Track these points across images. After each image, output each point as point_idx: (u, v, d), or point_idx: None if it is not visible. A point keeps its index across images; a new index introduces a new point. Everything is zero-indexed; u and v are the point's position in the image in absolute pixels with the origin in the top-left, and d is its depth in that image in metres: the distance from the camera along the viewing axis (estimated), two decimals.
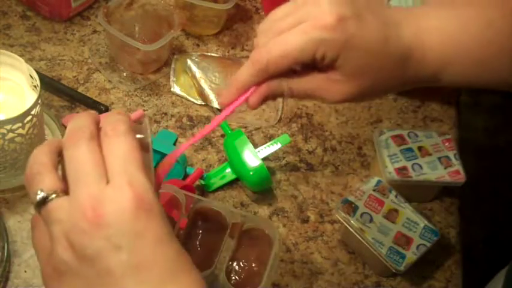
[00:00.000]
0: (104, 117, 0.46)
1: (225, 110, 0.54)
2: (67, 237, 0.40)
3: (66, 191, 0.42)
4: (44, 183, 0.42)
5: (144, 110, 0.90)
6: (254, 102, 0.54)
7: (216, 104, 0.92)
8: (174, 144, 0.88)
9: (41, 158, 0.43)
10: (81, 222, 0.39)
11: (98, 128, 0.45)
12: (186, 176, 0.82)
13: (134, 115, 0.87)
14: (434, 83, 0.56)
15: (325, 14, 0.49)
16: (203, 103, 0.94)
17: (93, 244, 0.39)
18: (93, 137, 0.43)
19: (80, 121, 0.45)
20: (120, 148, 0.43)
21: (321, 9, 0.50)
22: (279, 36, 0.51)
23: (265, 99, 0.54)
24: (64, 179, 0.43)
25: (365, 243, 0.77)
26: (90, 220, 0.39)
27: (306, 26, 0.50)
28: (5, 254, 0.72)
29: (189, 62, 0.96)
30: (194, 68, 0.95)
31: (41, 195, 0.41)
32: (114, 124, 0.44)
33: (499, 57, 0.55)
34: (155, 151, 0.82)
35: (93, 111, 0.48)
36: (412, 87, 0.57)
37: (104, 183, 0.41)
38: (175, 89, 0.95)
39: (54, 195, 0.41)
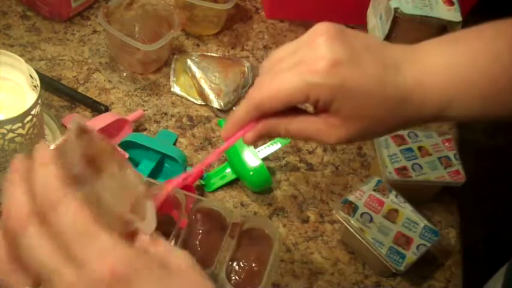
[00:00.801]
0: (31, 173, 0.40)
1: (225, 143, 0.54)
2: None
3: (35, 282, 0.39)
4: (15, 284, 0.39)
5: (144, 110, 0.90)
6: (248, 138, 0.54)
7: (216, 104, 0.92)
8: (174, 144, 0.88)
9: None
10: None
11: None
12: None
13: (134, 115, 0.87)
14: (439, 120, 0.55)
15: (319, 59, 0.49)
16: (203, 103, 0.94)
17: None
18: (40, 218, 0.38)
19: (18, 196, 0.39)
20: (68, 219, 0.38)
21: (316, 53, 0.50)
22: (275, 76, 0.51)
23: (260, 137, 0.54)
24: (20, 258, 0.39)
25: (365, 243, 0.77)
26: None
27: (300, 68, 0.50)
28: None
29: (189, 62, 0.96)
30: (194, 68, 0.95)
31: None
32: (47, 197, 0.38)
33: (507, 90, 0.54)
34: (155, 151, 0.82)
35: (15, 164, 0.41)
36: (417, 125, 0.56)
37: (74, 266, 0.37)
38: (175, 89, 0.95)
39: None
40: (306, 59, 0.50)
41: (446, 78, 0.52)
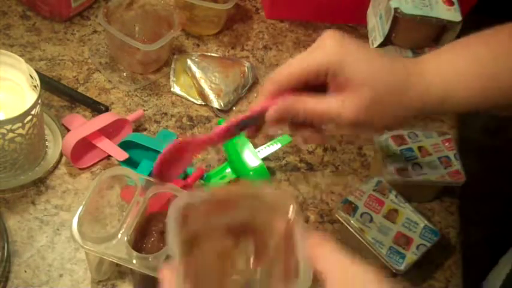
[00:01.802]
0: None
1: (249, 111, 0.58)
2: None
3: None
4: None
5: (144, 110, 0.90)
6: (270, 113, 0.57)
7: (216, 104, 0.92)
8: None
9: None
10: None
11: None
12: (186, 176, 0.82)
13: (134, 115, 0.87)
14: (441, 110, 0.58)
15: (328, 46, 0.56)
16: (203, 103, 0.94)
17: None
18: None
19: None
20: None
21: (325, 47, 0.56)
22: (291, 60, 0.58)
23: (281, 114, 0.57)
24: None
25: (365, 243, 0.77)
26: None
27: (309, 51, 0.57)
28: (5, 254, 0.72)
29: (189, 62, 0.96)
30: (194, 68, 0.95)
31: None
32: None
33: (490, 87, 0.58)
34: (155, 151, 0.82)
35: None
36: (419, 113, 0.59)
37: None
38: (175, 89, 0.95)
39: None
40: (316, 51, 0.57)
41: (441, 78, 0.57)
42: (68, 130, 0.85)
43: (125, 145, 0.82)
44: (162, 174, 0.62)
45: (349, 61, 0.55)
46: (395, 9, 0.90)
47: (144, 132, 0.89)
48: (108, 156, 0.84)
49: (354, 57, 0.55)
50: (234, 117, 0.58)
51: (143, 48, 0.89)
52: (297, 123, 0.59)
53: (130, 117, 0.87)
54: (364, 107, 0.55)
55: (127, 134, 0.85)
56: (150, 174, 0.82)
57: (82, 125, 0.83)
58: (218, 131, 0.59)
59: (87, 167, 0.83)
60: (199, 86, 0.94)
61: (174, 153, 0.61)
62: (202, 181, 0.84)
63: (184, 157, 0.62)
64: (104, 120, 0.83)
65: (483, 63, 0.57)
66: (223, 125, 0.59)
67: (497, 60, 0.57)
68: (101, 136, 0.83)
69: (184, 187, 0.77)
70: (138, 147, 0.82)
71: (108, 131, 0.84)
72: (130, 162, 0.83)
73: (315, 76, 0.56)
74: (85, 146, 0.83)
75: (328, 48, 0.56)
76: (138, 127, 0.89)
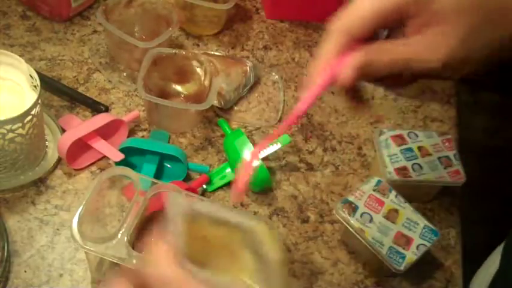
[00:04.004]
0: None
1: (318, 85, 0.46)
2: None
3: None
4: None
5: (144, 110, 0.90)
6: (347, 76, 0.45)
7: (216, 103, 0.92)
8: (168, 142, 0.88)
9: None
10: None
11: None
12: (188, 174, 0.82)
13: (130, 116, 0.87)
14: None
15: None
16: None
17: None
18: None
19: None
20: None
21: None
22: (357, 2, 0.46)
23: (360, 72, 0.45)
24: None
25: (365, 243, 0.77)
26: None
27: None
28: (5, 254, 0.72)
29: None
30: None
31: None
32: None
33: None
34: (152, 152, 0.82)
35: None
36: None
37: None
38: None
39: None
40: None
41: None
42: (64, 131, 0.84)
43: (123, 152, 0.82)
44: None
45: None
46: None
47: (144, 133, 0.89)
48: (105, 157, 0.84)
49: None
50: (302, 99, 0.46)
51: (141, 46, 0.89)
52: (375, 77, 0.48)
53: (127, 118, 0.86)
54: (460, 41, 0.45)
55: (123, 135, 0.85)
56: (154, 177, 0.81)
57: (78, 125, 0.83)
58: (290, 120, 0.48)
59: (83, 168, 0.83)
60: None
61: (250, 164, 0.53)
62: (205, 186, 0.84)
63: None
64: (99, 121, 0.83)
65: None
66: (293, 115, 0.48)
67: None
68: (97, 137, 0.83)
69: (188, 190, 0.77)
70: (135, 152, 0.82)
71: (104, 132, 0.84)
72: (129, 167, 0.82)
73: (393, 19, 0.46)
74: (81, 146, 0.83)
75: None
76: (134, 127, 0.89)
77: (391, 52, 0.46)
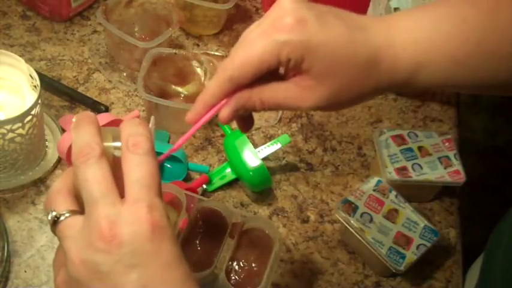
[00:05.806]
0: (125, 127, 0.46)
1: (195, 125, 0.52)
2: (79, 254, 0.42)
3: (81, 212, 0.44)
4: (56, 205, 0.44)
5: (144, 110, 0.90)
6: (224, 115, 0.52)
7: None
8: (168, 142, 0.88)
9: (56, 185, 0.46)
10: (96, 241, 0.41)
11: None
12: (188, 174, 0.82)
13: (130, 116, 0.87)
14: (410, 86, 0.53)
15: (284, 15, 0.49)
16: None
17: (106, 261, 0.41)
18: (102, 154, 0.44)
19: (86, 135, 0.45)
20: (142, 169, 0.44)
21: (281, 11, 0.50)
22: (245, 45, 0.51)
23: (236, 112, 0.52)
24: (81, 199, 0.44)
25: (365, 243, 0.77)
26: (106, 239, 0.41)
27: (268, 31, 0.50)
28: (5, 254, 0.72)
29: None
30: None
31: (52, 214, 0.44)
32: (137, 139, 0.45)
33: (475, 54, 0.53)
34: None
35: (92, 114, 0.48)
36: (388, 91, 0.54)
37: (119, 204, 0.42)
38: None
39: (66, 215, 0.43)
40: (272, 21, 0.50)
41: (413, 40, 0.52)
42: (64, 131, 0.84)
43: None
44: None
45: (308, 50, 0.49)
46: (395, 9, 0.90)
47: None
48: None
49: (313, 43, 0.49)
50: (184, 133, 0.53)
51: (141, 46, 0.89)
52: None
53: (127, 118, 0.86)
54: (328, 96, 0.51)
55: None
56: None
57: None
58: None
59: None
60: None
61: None
62: (205, 186, 0.84)
63: None
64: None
65: (470, 25, 0.52)
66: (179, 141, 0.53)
67: (485, 21, 0.52)
68: None
69: (188, 190, 0.77)
70: None
71: None
72: None
73: (274, 67, 0.50)
74: None
75: (282, 14, 0.49)
76: None
77: (263, 95, 0.52)
